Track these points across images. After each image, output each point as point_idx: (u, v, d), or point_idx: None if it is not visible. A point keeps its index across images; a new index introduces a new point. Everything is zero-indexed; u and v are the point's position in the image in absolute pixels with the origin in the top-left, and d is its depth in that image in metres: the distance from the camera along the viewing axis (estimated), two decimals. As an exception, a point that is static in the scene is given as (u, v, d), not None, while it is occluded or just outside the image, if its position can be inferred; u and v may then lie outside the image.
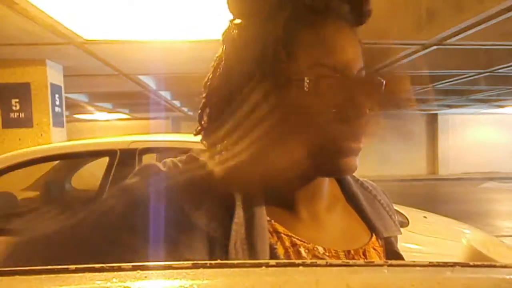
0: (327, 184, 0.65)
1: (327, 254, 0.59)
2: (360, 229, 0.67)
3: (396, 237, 0.72)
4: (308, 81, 0.53)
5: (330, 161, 0.56)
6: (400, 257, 0.72)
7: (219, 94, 0.60)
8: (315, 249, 0.59)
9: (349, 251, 0.62)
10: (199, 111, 0.63)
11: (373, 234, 0.67)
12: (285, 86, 0.55)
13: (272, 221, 0.58)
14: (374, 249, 0.65)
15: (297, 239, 0.58)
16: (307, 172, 0.59)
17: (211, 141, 0.61)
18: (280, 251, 0.56)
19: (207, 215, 0.54)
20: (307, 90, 0.53)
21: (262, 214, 0.56)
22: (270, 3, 0.56)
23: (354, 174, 0.67)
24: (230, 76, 0.59)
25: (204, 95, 0.63)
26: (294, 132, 0.56)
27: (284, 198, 0.62)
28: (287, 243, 0.57)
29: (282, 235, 0.58)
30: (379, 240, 0.67)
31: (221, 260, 0.51)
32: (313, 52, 0.55)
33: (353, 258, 0.62)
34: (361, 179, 0.74)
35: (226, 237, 0.53)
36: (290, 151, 0.57)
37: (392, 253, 0.69)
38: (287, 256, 0.56)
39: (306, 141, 0.56)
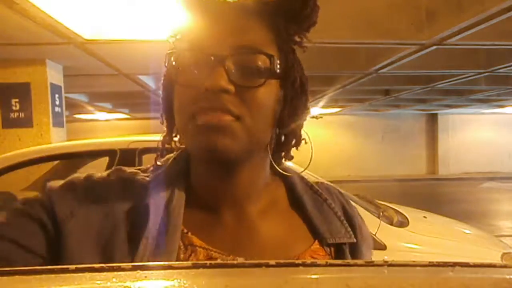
0: (259, 185, 0.62)
1: None
2: (300, 236, 0.62)
3: (352, 245, 0.64)
4: (170, 56, 0.57)
5: (192, 140, 0.56)
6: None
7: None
8: (234, 260, 0.57)
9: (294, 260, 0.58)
10: None
11: (316, 241, 0.62)
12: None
13: (189, 233, 0.57)
14: (314, 258, 0.60)
15: (215, 251, 0.56)
16: (193, 154, 0.60)
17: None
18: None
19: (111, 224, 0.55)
20: (170, 65, 0.57)
21: (177, 227, 0.55)
22: None
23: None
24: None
25: None
26: (176, 116, 0.58)
27: (207, 203, 0.60)
28: (201, 257, 0.56)
29: (198, 248, 0.56)
30: (325, 247, 0.62)
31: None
32: (185, 33, 0.57)
33: None
34: (316, 181, 0.71)
35: (133, 251, 0.53)
36: (180, 137, 0.61)
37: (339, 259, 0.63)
38: None
39: (179, 122, 0.58)
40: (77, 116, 10.85)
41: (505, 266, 0.33)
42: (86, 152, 2.84)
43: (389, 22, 3.32)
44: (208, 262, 0.32)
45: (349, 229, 0.65)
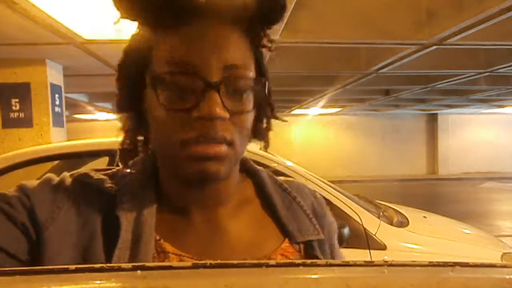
0: (231, 187, 0.62)
1: None
2: (270, 235, 0.63)
3: (320, 241, 0.65)
4: (152, 78, 0.53)
5: (183, 166, 0.54)
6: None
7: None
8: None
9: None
10: None
11: (286, 239, 0.63)
12: (148, 85, 0.54)
13: (161, 240, 0.57)
14: (284, 255, 0.61)
15: (187, 256, 0.56)
16: (176, 176, 0.58)
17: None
18: None
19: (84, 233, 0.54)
20: (153, 89, 0.53)
21: (150, 237, 0.55)
22: (145, 7, 0.53)
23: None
24: (120, 81, 0.60)
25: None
26: (156, 134, 0.56)
27: (177, 206, 0.60)
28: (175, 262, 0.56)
29: (170, 254, 0.56)
30: (294, 245, 0.63)
31: None
32: (167, 50, 0.52)
33: None
34: (284, 179, 0.70)
35: (108, 262, 0.52)
36: (158, 152, 0.59)
37: (311, 258, 0.63)
38: None
39: (163, 144, 0.55)
40: (77, 116, 10.85)
41: (505, 266, 0.33)
42: (86, 152, 2.84)
43: (389, 22, 3.32)
44: (208, 262, 0.32)
45: (317, 226, 0.66)
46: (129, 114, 0.61)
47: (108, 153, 2.58)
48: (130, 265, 0.31)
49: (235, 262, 0.30)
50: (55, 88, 4.09)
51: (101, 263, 0.52)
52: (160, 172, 0.61)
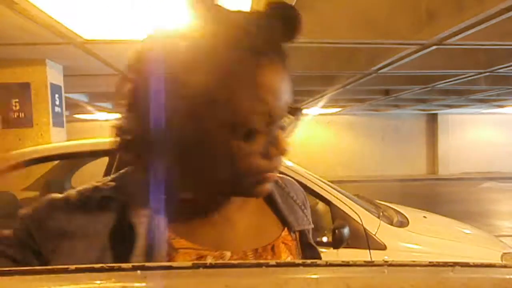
0: None
1: (234, 257, 0.64)
2: (272, 225, 0.71)
3: (309, 230, 0.77)
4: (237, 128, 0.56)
5: (248, 188, 0.61)
6: (313, 248, 0.76)
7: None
8: (222, 255, 0.63)
9: (256, 249, 0.66)
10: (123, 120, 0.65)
11: (285, 228, 0.72)
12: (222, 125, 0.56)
13: (177, 237, 0.61)
14: (284, 243, 0.70)
15: (203, 249, 0.61)
16: (226, 193, 0.65)
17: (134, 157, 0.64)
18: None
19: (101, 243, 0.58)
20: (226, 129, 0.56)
21: (164, 237, 0.59)
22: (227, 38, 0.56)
23: None
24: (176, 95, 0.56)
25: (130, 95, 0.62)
26: (219, 160, 0.59)
27: (196, 210, 0.65)
28: (192, 256, 0.61)
29: (188, 250, 0.61)
30: (292, 234, 0.72)
31: None
32: (248, 92, 0.56)
33: (261, 255, 0.66)
34: (279, 176, 0.76)
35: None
36: (214, 175, 0.61)
37: (306, 245, 0.75)
38: None
39: (227, 169, 0.59)
40: (77, 116, 10.84)
41: (505, 266, 0.33)
42: (86, 152, 2.83)
43: (389, 22, 3.32)
44: (208, 262, 0.32)
45: (309, 217, 0.77)
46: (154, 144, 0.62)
47: (108, 153, 2.58)
48: (130, 265, 0.31)
49: (235, 262, 0.30)
50: (55, 88, 4.09)
51: None
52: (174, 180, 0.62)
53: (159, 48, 0.60)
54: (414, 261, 0.33)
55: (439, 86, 6.64)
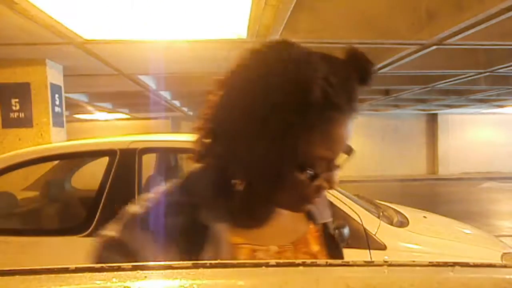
0: None
1: (279, 251, 0.76)
2: (302, 220, 0.83)
3: (330, 222, 0.88)
4: (304, 168, 0.67)
5: (295, 207, 0.76)
6: (333, 239, 0.86)
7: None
8: (269, 249, 0.75)
9: (293, 242, 0.79)
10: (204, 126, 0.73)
11: (311, 222, 0.84)
12: (294, 164, 0.67)
13: (234, 236, 0.72)
14: (313, 235, 0.83)
15: (255, 245, 0.74)
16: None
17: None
18: (242, 258, 0.72)
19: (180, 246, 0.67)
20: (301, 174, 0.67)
21: (228, 240, 0.70)
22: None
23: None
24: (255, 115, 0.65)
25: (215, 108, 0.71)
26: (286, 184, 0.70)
27: (252, 215, 0.77)
28: (248, 251, 0.73)
29: (243, 246, 0.73)
30: (316, 226, 0.84)
31: None
32: (319, 143, 0.67)
33: (297, 247, 0.79)
34: None
35: (195, 258, 0.65)
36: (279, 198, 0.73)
37: (327, 235, 0.85)
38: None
39: (285, 194, 0.71)
40: (77, 116, 10.85)
41: (505, 266, 0.33)
42: (86, 152, 2.84)
43: (389, 22, 3.32)
44: (208, 262, 0.32)
45: (330, 210, 0.89)
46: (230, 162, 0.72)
47: (108, 153, 2.58)
48: (130, 265, 0.31)
49: (235, 262, 0.30)
50: (55, 88, 4.09)
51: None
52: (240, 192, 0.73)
53: (251, 76, 0.68)
54: (414, 261, 0.33)
55: (439, 86, 6.64)
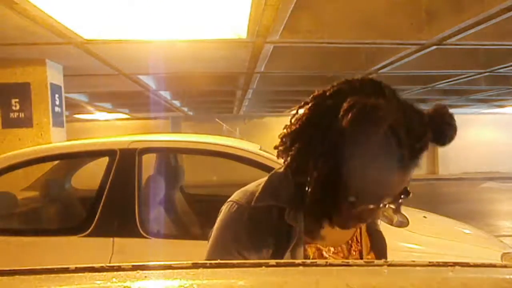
0: None
1: (335, 251, 0.89)
2: None
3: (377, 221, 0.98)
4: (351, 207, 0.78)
5: (342, 226, 0.86)
6: (379, 232, 0.97)
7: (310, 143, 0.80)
8: (329, 249, 0.89)
9: (348, 242, 0.92)
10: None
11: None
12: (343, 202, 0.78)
13: (306, 237, 0.85)
14: (362, 233, 0.95)
15: (319, 245, 0.88)
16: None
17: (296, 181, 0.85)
18: (310, 254, 0.86)
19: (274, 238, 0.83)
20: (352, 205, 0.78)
21: (302, 239, 0.84)
22: (371, 139, 0.71)
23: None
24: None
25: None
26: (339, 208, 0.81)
27: (321, 224, 0.88)
28: (314, 250, 0.87)
29: (311, 245, 0.87)
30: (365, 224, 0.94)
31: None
32: (369, 183, 0.76)
33: (351, 246, 0.91)
34: None
35: (282, 253, 0.82)
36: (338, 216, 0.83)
37: (373, 231, 0.96)
38: (314, 257, 0.86)
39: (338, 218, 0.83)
40: (77, 116, 10.84)
41: (505, 266, 0.33)
42: (86, 152, 2.83)
43: (389, 22, 3.32)
44: (208, 262, 0.32)
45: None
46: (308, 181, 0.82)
47: (108, 153, 2.58)
48: (130, 265, 0.31)
49: (235, 262, 0.30)
50: (55, 88, 4.09)
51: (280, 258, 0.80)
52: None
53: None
54: (414, 261, 0.33)
55: (439, 86, 6.63)
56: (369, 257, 0.94)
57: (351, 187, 0.75)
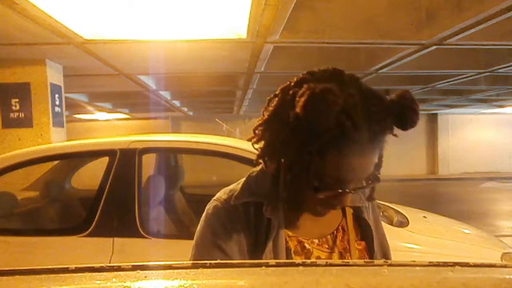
0: None
1: (319, 243, 0.89)
2: (337, 212, 0.93)
3: (366, 207, 0.98)
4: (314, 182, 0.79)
5: (317, 209, 0.86)
6: (366, 222, 0.95)
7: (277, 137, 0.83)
8: (312, 242, 0.89)
9: (333, 233, 0.92)
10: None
11: (345, 208, 0.94)
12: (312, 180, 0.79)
13: (287, 231, 0.87)
14: (349, 222, 0.94)
15: (302, 238, 0.88)
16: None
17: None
18: (292, 247, 0.86)
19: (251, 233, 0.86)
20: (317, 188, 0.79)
21: (283, 232, 0.86)
22: (326, 124, 0.73)
23: None
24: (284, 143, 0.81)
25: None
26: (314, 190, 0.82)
27: (299, 214, 0.90)
28: (295, 242, 0.88)
29: (292, 237, 0.88)
30: (347, 210, 0.94)
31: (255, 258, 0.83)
32: (330, 165, 0.76)
33: (336, 237, 0.91)
34: None
35: (263, 245, 0.84)
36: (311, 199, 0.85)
37: (360, 220, 0.95)
38: (296, 251, 0.86)
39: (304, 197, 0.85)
40: (77, 116, 10.84)
41: (505, 266, 0.33)
42: (86, 152, 2.83)
43: (389, 22, 3.32)
44: (208, 262, 0.32)
45: (362, 196, 0.94)
46: (277, 165, 0.85)
47: (108, 153, 2.58)
48: (130, 265, 0.31)
49: (235, 262, 0.30)
50: (55, 88, 4.09)
51: (258, 252, 0.83)
52: (284, 187, 0.87)
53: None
54: (414, 261, 0.33)
55: (439, 86, 6.63)
56: (360, 246, 0.93)
57: (313, 172, 0.77)
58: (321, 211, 0.85)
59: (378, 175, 0.84)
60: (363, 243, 0.94)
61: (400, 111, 0.78)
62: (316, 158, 0.76)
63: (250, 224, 0.85)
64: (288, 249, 0.85)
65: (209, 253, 0.84)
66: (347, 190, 0.78)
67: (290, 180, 0.81)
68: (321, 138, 0.74)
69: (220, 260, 0.78)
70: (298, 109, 0.72)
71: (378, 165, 0.82)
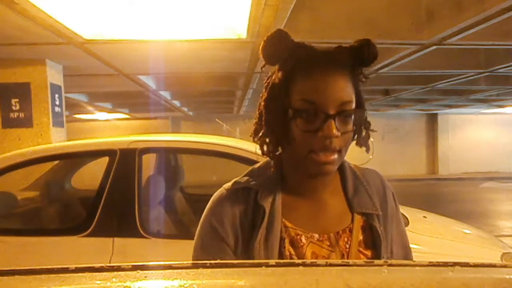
0: (331, 178, 0.91)
1: (320, 238, 0.87)
2: (347, 214, 0.91)
3: (379, 215, 0.92)
4: (292, 111, 0.82)
5: (309, 166, 0.83)
6: (376, 231, 0.90)
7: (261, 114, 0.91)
8: (311, 236, 0.87)
9: (338, 232, 0.88)
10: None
11: (353, 213, 0.90)
12: (285, 114, 0.83)
13: (283, 218, 0.87)
14: (358, 226, 0.90)
15: (300, 230, 0.87)
16: (301, 172, 0.88)
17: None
18: (287, 239, 0.85)
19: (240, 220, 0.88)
20: (292, 117, 0.81)
21: (279, 216, 0.86)
22: (283, 56, 0.84)
23: (358, 165, 1.03)
24: (267, 106, 0.89)
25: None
26: (292, 146, 0.84)
27: (295, 194, 0.90)
28: (292, 234, 0.86)
29: (289, 228, 0.87)
30: (356, 215, 0.90)
31: (243, 250, 0.84)
32: (301, 92, 0.81)
33: (341, 237, 0.87)
34: (360, 168, 1.02)
35: (257, 230, 0.85)
36: (292, 158, 0.88)
37: (369, 227, 0.90)
38: (292, 242, 0.86)
39: (297, 153, 0.84)
40: (77, 116, 10.84)
41: (505, 266, 0.33)
42: (86, 152, 2.83)
43: (389, 22, 3.32)
44: (208, 262, 0.32)
45: (376, 204, 0.92)
46: (270, 136, 0.88)
47: (108, 153, 2.58)
48: (130, 265, 0.31)
49: (235, 262, 0.30)
50: (55, 88, 4.09)
51: (248, 237, 0.85)
52: (286, 172, 0.91)
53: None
54: (414, 261, 0.33)
55: (439, 86, 6.64)
56: (366, 252, 0.88)
57: (290, 102, 0.82)
58: (316, 159, 0.81)
59: (368, 119, 0.91)
60: (369, 251, 0.88)
61: (359, 47, 0.87)
62: (289, 88, 0.83)
63: (248, 209, 0.87)
64: (282, 240, 0.84)
65: (206, 233, 0.88)
66: (329, 114, 0.79)
67: (273, 119, 0.86)
68: (284, 68, 0.83)
69: (212, 238, 0.86)
70: (259, 51, 0.82)
71: (359, 102, 0.85)
